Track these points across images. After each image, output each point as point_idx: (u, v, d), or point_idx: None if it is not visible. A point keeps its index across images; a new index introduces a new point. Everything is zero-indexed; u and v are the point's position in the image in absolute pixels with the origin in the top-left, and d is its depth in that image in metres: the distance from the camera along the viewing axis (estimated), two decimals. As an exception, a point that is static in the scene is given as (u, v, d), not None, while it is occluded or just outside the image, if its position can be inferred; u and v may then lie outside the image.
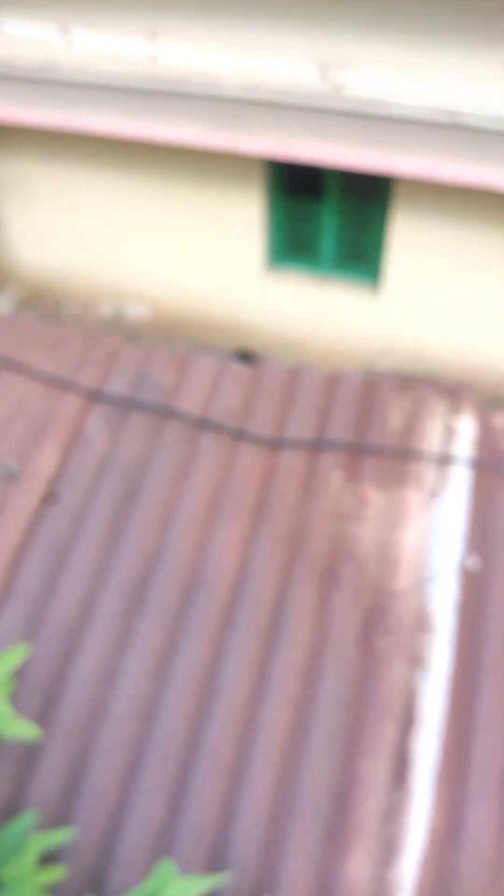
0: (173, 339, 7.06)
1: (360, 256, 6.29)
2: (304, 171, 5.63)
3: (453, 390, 2.43)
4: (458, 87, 4.82)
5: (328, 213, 6.06)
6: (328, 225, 6.14)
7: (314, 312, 6.47)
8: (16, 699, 1.94)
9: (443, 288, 5.89)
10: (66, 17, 5.30)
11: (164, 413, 2.44)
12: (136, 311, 7.12)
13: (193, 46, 5.09)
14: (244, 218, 6.07)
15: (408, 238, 5.74)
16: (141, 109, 5.29)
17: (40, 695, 1.98)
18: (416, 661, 1.97)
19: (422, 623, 2.03)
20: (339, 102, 5.01)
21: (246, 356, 5.46)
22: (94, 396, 2.49)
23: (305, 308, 6.48)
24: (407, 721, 1.86)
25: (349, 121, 5.02)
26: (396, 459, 2.30)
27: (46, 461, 2.35)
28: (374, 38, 4.77)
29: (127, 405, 2.47)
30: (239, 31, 5.00)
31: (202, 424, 2.42)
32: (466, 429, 2.33)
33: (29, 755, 1.89)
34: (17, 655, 1.75)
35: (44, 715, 1.94)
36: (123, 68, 5.44)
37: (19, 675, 1.98)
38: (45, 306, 7.44)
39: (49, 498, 2.28)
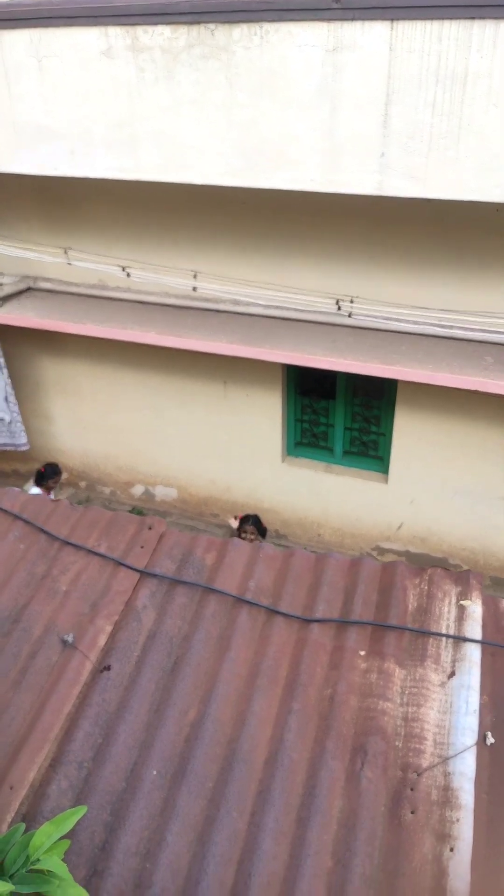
0: (198, 518, 7.37)
1: (369, 447, 6.75)
2: (318, 374, 6.23)
3: (463, 575, 2.63)
4: (449, 309, 5.48)
5: (339, 409, 6.61)
6: (339, 419, 6.66)
7: (327, 497, 6.83)
8: (62, 869, 1.96)
9: (445, 476, 6.25)
10: (126, 262, 6.16)
11: (205, 591, 2.64)
12: (165, 493, 7.51)
13: (229, 281, 5.89)
14: (265, 413, 6.62)
15: (412, 431, 6.21)
16: (178, 324, 6.00)
17: (85, 866, 2.00)
18: (444, 837, 2.00)
19: (447, 800, 2.08)
20: (349, 323, 5.68)
21: (258, 522, 5.75)
22: (144, 575, 2.70)
23: (319, 493, 6.84)
24: (439, 899, 1.86)
25: (357, 336, 5.66)
26: (415, 638, 2.45)
27: (99, 634, 2.51)
28: (377, 277, 5.51)
29: (172, 583, 2.68)
30: (267, 272, 5.80)
31: (239, 602, 2.60)
32: (476, 611, 2.50)
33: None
34: (73, 817, 1.82)
35: (88, 888, 1.95)
36: (165, 290, 6.24)
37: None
38: (81, 487, 7.85)
39: (100, 669, 2.41)
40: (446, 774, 2.15)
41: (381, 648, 2.43)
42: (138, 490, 7.65)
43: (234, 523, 5.71)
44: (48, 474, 6.31)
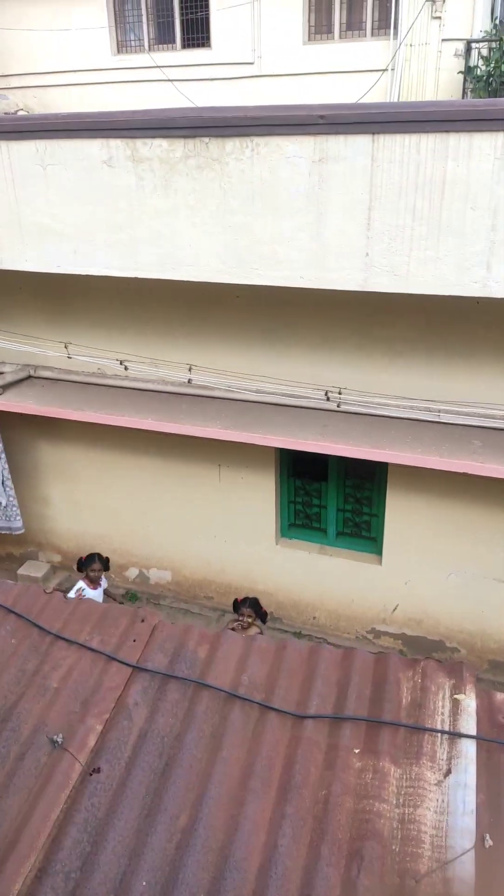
0: (192, 601, 7.27)
1: (362, 528, 6.76)
2: (310, 457, 6.30)
3: (456, 667, 2.61)
4: (436, 399, 5.62)
5: (332, 491, 6.66)
6: (332, 501, 6.70)
7: (322, 578, 6.78)
8: None
9: (439, 558, 6.24)
10: (124, 356, 6.36)
11: (198, 686, 2.60)
12: (159, 576, 7.45)
13: (222, 374, 6.06)
14: (259, 495, 6.66)
15: (404, 512, 6.23)
16: (174, 410, 6.12)
17: None
18: None
19: (447, 909, 2.00)
20: (339, 409, 5.80)
21: (256, 605, 5.68)
22: (136, 669, 2.67)
23: (314, 575, 6.80)
24: None
25: (348, 421, 5.77)
26: (410, 734, 2.41)
27: (89, 734, 2.46)
28: (366, 366, 5.68)
29: (165, 677, 2.64)
30: (260, 362, 5.98)
31: (231, 697, 2.56)
32: (470, 705, 2.47)
33: None
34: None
35: None
36: (161, 378, 6.39)
37: None
38: (75, 570, 7.77)
39: (89, 772, 2.35)
40: (445, 881, 2.07)
41: (375, 746, 2.38)
42: (132, 573, 7.58)
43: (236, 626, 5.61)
44: (85, 563, 6.12)
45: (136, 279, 5.39)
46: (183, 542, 7.23)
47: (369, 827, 2.19)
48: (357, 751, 2.38)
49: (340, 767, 2.33)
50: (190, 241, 5.01)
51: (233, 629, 5.55)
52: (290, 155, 4.62)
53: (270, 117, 4.63)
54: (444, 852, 2.12)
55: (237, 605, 5.65)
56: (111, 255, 5.27)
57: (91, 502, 7.45)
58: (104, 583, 6.29)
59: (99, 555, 6.20)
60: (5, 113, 10.28)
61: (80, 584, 6.07)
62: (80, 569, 6.18)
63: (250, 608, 5.60)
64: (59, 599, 2.99)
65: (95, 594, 6.08)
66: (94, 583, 6.09)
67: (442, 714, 2.45)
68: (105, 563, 6.18)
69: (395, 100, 8.95)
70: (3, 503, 7.10)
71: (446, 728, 2.41)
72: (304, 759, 2.36)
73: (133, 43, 10.16)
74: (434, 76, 8.88)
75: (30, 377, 6.90)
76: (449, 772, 2.29)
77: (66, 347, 6.52)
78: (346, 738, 2.41)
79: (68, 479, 7.44)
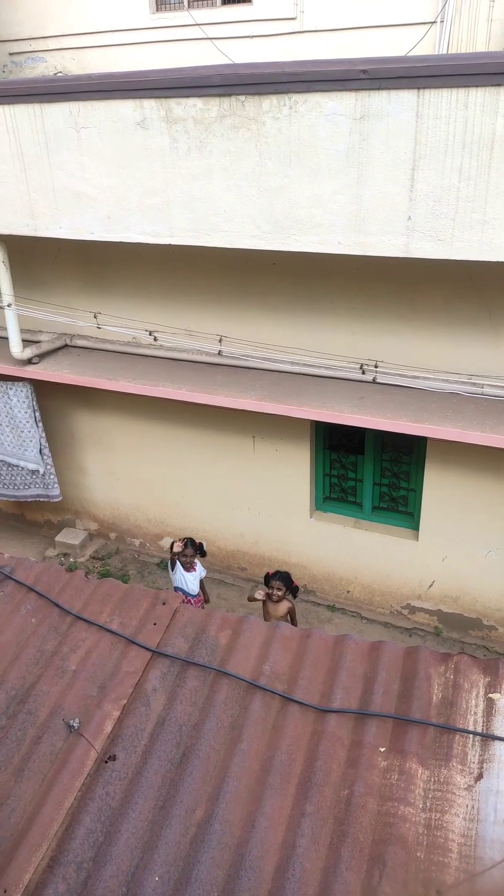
0: (226, 571, 7.20)
1: (399, 503, 6.54)
2: (346, 429, 6.08)
3: (492, 664, 2.42)
4: (479, 374, 5.32)
5: (368, 464, 6.44)
6: (368, 475, 6.48)
7: (357, 553, 6.60)
8: None
9: (478, 534, 6.00)
10: (159, 326, 6.18)
11: (218, 673, 2.48)
12: (193, 546, 7.37)
13: (255, 346, 5.83)
14: (293, 467, 6.48)
15: (442, 487, 5.99)
16: (208, 381, 5.95)
17: None
18: None
19: (474, 925, 1.85)
20: (375, 383, 5.55)
21: (287, 579, 5.55)
22: (155, 654, 2.56)
23: (349, 549, 6.62)
24: None
25: (385, 393, 5.52)
26: (440, 734, 2.24)
27: (105, 720, 2.37)
28: (405, 337, 5.40)
29: (184, 663, 2.53)
30: (295, 331, 5.74)
31: (253, 686, 2.44)
32: (506, 705, 2.29)
33: None
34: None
35: None
36: (196, 348, 6.21)
37: None
38: (112, 539, 7.77)
39: (105, 759, 2.26)
40: (473, 894, 1.92)
41: (402, 745, 2.22)
42: (167, 542, 7.51)
43: (259, 594, 5.44)
44: (185, 547, 5.82)
45: (171, 247, 5.19)
46: (217, 513, 7.13)
47: (393, 831, 2.05)
48: (382, 749, 2.23)
49: (364, 766, 2.19)
50: (225, 205, 4.78)
51: (253, 599, 5.47)
52: (330, 112, 4.32)
53: (309, 73, 4.33)
54: (472, 863, 1.97)
55: (268, 579, 5.54)
56: (145, 220, 5.07)
57: (126, 471, 7.39)
58: (198, 566, 6.01)
59: (192, 539, 5.91)
60: (43, 76, 10.04)
61: (179, 567, 5.89)
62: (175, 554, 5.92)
63: (279, 580, 5.48)
64: (81, 579, 2.89)
65: (191, 577, 5.86)
66: (188, 567, 5.87)
67: (475, 714, 2.28)
68: (199, 549, 5.89)
69: (444, 53, 8.41)
70: (41, 471, 7.09)
71: (479, 729, 2.24)
72: (326, 756, 2.23)
73: (171, 0, 9.75)
74: (486, 27, 8.28)
75: (66, 346, 6.80)
76: (480, 776, 2.13)
77: (95, 317, 6.38)
78: (371, 736, 2.26)
79: (104, 447, 7.38)
